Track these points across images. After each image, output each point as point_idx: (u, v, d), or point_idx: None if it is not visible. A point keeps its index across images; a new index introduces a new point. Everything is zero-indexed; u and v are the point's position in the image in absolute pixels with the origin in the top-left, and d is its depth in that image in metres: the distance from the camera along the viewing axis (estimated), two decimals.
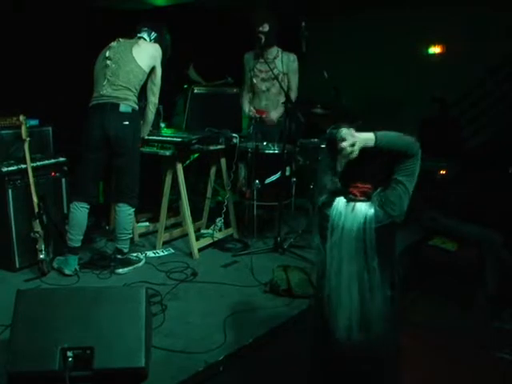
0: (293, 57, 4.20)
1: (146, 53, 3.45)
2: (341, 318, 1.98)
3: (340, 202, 1.99)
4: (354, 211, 1.95)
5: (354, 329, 1.98)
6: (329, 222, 1.98)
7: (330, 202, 2.02)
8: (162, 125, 4.27)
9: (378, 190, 1.99)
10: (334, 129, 2.04)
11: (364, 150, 1.96)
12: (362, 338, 1.98)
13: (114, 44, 3.48)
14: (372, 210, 1.94)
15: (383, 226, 1.95)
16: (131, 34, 3.60)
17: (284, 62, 4.16)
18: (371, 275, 1.95)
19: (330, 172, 2.14)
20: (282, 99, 4.04)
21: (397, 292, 2.12)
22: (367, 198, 1.98)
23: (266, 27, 4.04)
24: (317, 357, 2.18)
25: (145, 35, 3.57)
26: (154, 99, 3.56)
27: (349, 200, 1.98)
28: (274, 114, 4.31)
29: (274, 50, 4.19)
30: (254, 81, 4.24)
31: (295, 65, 4.22)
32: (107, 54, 3.43)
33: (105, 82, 3.37)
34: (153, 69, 3.47)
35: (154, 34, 3.59)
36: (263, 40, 4.05)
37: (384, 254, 1.99)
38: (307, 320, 2.33)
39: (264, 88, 4.25)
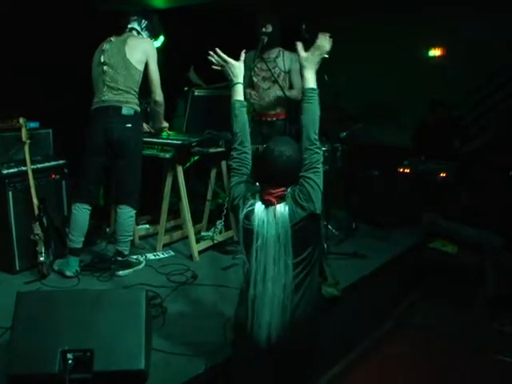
0: (295, 56, 4.19)
1: (138, 49, 3.39)
2: (263, 326, 2.04)
3: (259, 209, 2.04)
4: (276, 216, 2.00)
5: (273, 336, 2.05)
6: (253, 231, 2.03)
7: (250, 211, 2.06)
8: None
9: (290, 189, 2.05)
10: None
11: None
12: (280, 341, 2.05)
13: (106, 46, 3.42)
14: (287, 209, 2.00)
15: (303, 221, 2.01)
16: (122, 28, 3.51)
17: (286, 61, 4.15)
18: (287, 272, 2.02)
19: (245, 177, 2.21)
20: (283, 98, 4.03)
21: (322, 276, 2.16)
22: (283, 200, 2.03)
23: (269, 28, 4.03)
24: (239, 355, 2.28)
25: (135, 25, 3.52)
26: (154, 96, 3.52)
27: (267, 206, 2.03)
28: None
29: (276, 50, 4.19)
30: (255, 79, 4.24)
31: (298, 64, 4.20)
32: (102, 60, 3.38)
33: (105, 89, 3.36)
34: (146, 65, 3.41)
35: (144, 22, 3.54)
36: (266, 41, 4.05)
37: (309, 246, 2.07)
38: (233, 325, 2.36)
39: (265, 87, 4.24)
